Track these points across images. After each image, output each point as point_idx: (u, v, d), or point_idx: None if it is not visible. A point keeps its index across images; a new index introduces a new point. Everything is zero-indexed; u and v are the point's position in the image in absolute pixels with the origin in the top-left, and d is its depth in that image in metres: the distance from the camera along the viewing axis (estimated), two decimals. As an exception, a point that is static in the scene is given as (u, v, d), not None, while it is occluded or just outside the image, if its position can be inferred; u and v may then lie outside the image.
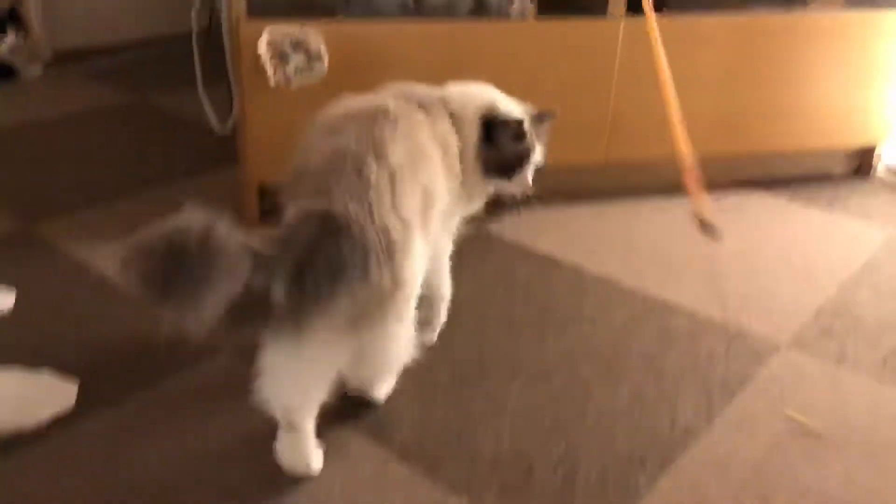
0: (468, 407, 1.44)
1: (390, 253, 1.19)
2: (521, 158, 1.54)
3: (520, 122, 1.50)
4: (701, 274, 1.91)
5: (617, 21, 2.03)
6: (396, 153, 1.26)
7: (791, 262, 1.99)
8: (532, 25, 2.01)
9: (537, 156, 1.57)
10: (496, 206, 1.69)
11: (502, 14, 2.03)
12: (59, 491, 1.22)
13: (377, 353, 1.30)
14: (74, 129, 2.63)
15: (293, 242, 1.13)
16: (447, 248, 1.61)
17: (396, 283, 1.21)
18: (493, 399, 1.46)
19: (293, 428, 1.27)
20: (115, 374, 1.47)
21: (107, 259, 1.81)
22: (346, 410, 1.40)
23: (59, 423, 1.34)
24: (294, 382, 1.25)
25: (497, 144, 1.50)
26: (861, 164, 2.52)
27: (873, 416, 1.47)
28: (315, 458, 1.30)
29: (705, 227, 1.42)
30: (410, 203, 1.25)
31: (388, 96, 1.40)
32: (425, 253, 1.32)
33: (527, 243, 2.02)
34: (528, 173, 1.58)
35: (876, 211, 2.28)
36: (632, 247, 2.03)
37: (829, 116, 2.33)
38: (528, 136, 1.53)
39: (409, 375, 1.50)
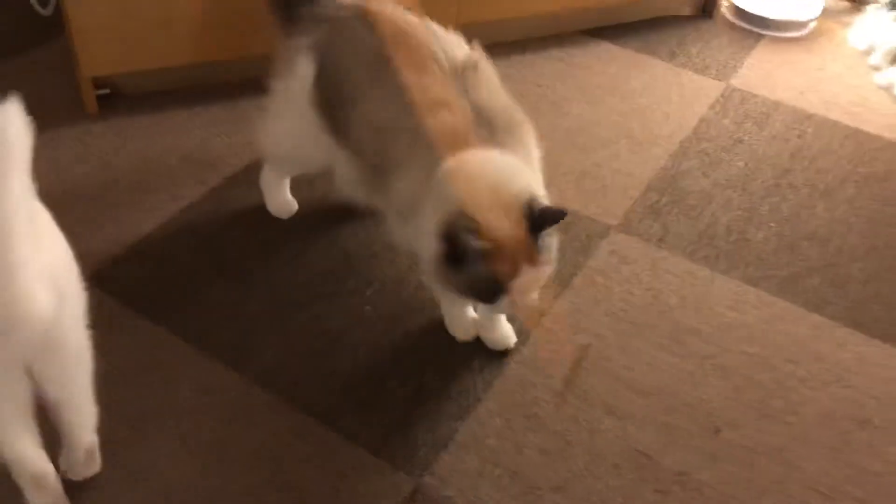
0: (325, 325, 1.55)
1: None
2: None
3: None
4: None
5: None
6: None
7: (630, 130, 2.09)
8: None
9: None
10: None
11: None
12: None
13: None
14: None
15: None
16: None
17: None
18: (348, 313, 1.58)
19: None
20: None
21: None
22: (208, 338, 1.49)
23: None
24: None
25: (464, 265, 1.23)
26: (706, 3, 2.58)
27: (681, 297, 1.67)
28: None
29: None
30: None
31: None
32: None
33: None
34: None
35: (713, 60, 2.38)
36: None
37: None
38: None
39: (267, 297, 1.59)
